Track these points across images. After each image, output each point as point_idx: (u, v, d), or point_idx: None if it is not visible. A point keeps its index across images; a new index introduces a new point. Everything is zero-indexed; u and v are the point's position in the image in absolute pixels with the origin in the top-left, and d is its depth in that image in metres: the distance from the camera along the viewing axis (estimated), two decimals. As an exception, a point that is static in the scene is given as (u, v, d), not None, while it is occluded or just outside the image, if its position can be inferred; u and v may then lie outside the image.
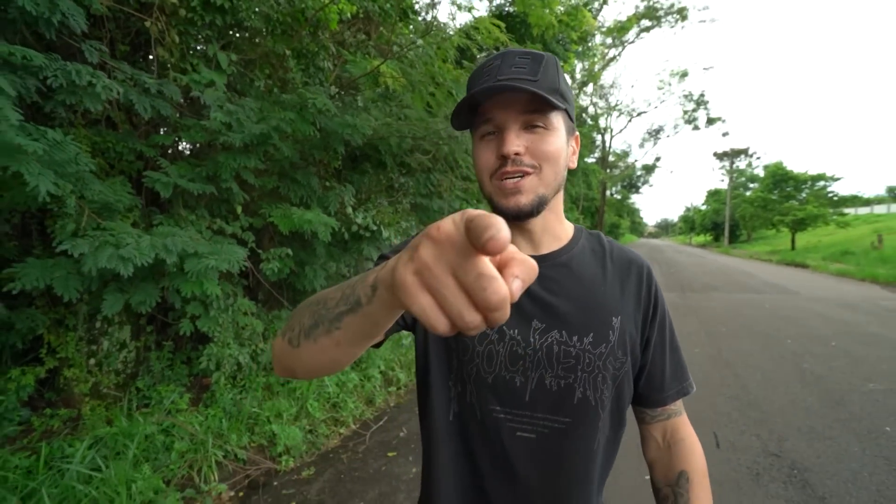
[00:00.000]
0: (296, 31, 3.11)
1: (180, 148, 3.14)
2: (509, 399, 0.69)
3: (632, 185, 45.24)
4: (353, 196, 3.68)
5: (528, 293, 0.69)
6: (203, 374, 3.24)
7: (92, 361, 2.87)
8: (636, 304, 0.74)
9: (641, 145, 44.88)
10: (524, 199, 0.66)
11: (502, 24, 3.70)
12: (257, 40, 3.14)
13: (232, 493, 2.52)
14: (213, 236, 2.86)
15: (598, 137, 28.58)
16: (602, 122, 28.38)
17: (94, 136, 2.52)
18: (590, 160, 28.37)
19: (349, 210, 3.73)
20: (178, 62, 2.77)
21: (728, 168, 38.61)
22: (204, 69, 2.69)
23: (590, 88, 24.23)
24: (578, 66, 17.15)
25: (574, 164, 0.74)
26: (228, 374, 3.26)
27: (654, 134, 33.73)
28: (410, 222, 5.06)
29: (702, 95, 28.80)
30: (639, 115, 30.11)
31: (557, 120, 0.67)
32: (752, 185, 38.41)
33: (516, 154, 0.64)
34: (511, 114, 0.65)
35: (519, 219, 0.68)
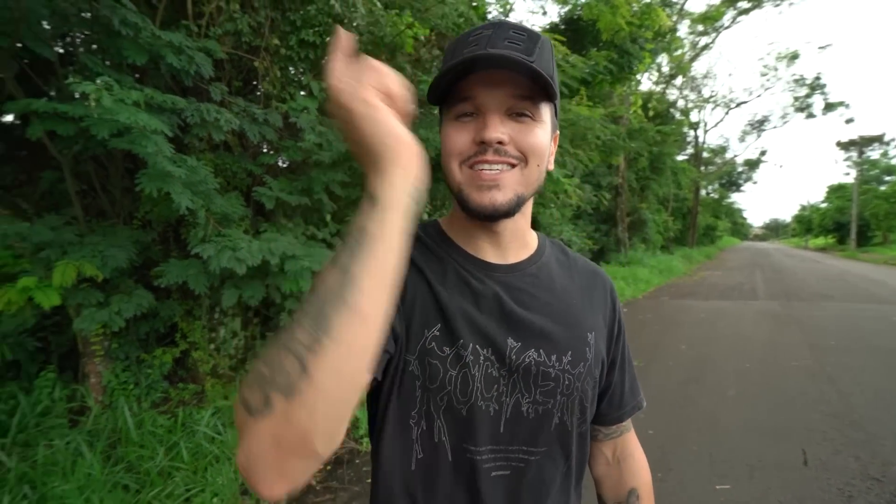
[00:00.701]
0: (376, 57, 3.46)
1: (281, 164, 3.63)
2: (485, 433, 0.58)
3: (731, 183, 41.22)
4: (428, 203, 3.95)
5: (500, 307, 0.59)
6: (298, 362, 3.70)
7: (212, 346, 3.43)
8: (603, 319, 0.68)
9: (742, 139, 40.74)
10: (501, 197, 0.55)
11: (563, 38, 3.76)
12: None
13: (322, 466, 2.88)
14: (306, 241, 3.29)
15: (690, 133, 26.52)
16: (694, 117, 26.29)
17: (216, 160, 3.06)
18: (681, 158, 26.44)
19: (424, 217, 4.02)
20: (280, 93, 3.24)
21: (855, 159, 33.65)
22: (300, 97, 3.12)
23: (679, 81, 22.64)
24: (663, 59, 16.17)
25: (552, 166, 0.64)
26: (319, 363, 3.69)
27: (758, 125, 30.53)
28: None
29: (817, 79, 25.60)
30: (738, 105, 27.49)
31: (546, 112, 0.58)
32: (887, 179, 33.05)
33: (499, 143, 0.54)
34: (498, 95, 0.54)
35: (492, 219, 0.58)
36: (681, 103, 24.68)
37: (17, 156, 3.37)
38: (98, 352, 2.91)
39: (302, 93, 3.36)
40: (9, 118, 3.00)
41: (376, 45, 3.53)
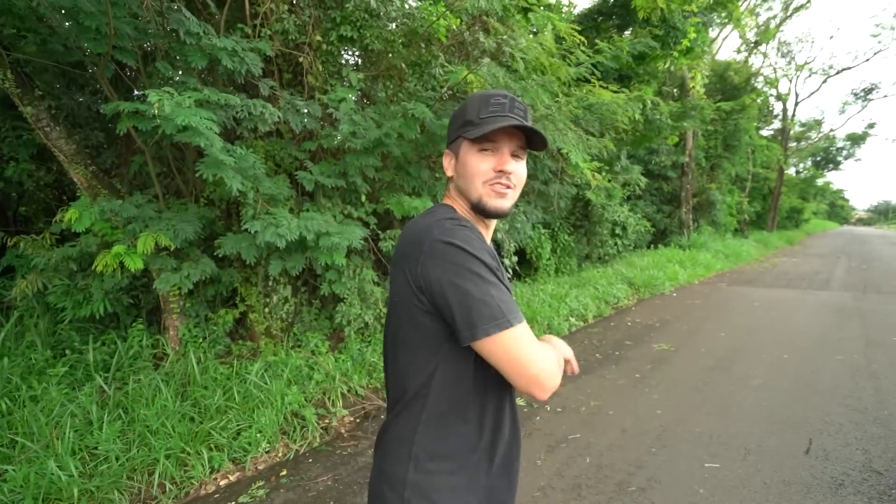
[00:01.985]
0: (411, 47, 3.68)
1: (325, 148, 4.01)
2: None
3: (828, 161, 36.97)
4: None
5: (500, 260, 0.96)
6: (339, 328, 4.14)
7: (266, 310, 3.95)
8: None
9: (842, 110, 35.95)
10: (508, 204, 0.90)
11: (578, 28, 3.73)
12: (380, 59, 3.81)
13: (351, 419, 3.30)
14: (343, 219, 3.66)
15: (777, 106, 23.98)
16: (784, 87, 23.61)
17: (266, 146, 3.48)
18: (766, 133, 24.01)
19: (429, 203, 4.23)
20: (322, 84, 3.57)
21: None
22: (340, 89, 3.43)
23: (766, 47, 20.39)
24: (722, 32, 14.64)
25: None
26: (357, 330, 4.11)
27: (864, 94, 26.84)
28: (517, 207, 5.35)
29: (942, 40, 21.80)
30: (839, 72, 24.29)
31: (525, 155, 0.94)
32: None
33: (510, 172, 0.88)
34: (510, 142, 0.88)
35: (498, 216, 0.91)
36: (768, 72, 22.32)
37: (115, 143, 4.03)
38: (175, 309, 3.50)
39: (345, 83, 3.67)
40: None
41: (412, 35, 3.75)
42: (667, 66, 5.33)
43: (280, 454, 2.82)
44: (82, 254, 3.31)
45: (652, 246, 12.67)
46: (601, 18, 5.28)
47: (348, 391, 3.54)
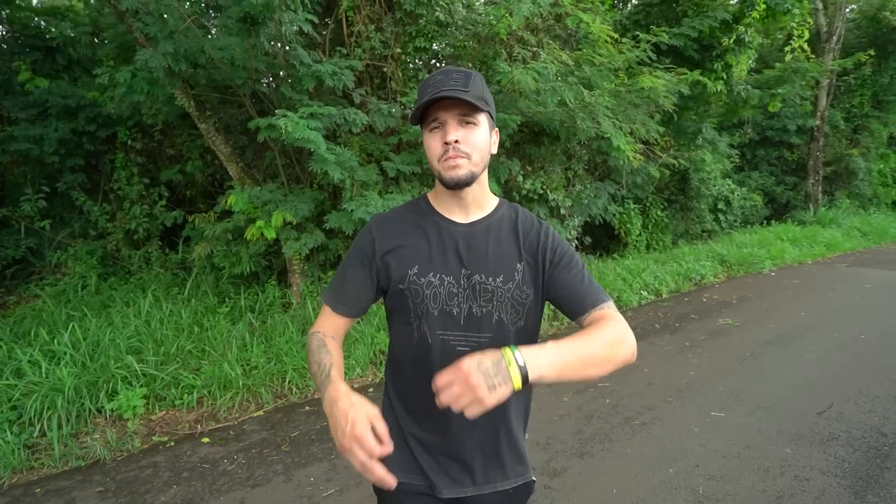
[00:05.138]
0: (475, 49, 4.24)
1: (405, 141, 4.79)
2: (451, 325, 0.94)
3: None
4: (520, 167, 4.66)
5: (457, 249, 0.95)
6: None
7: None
8: (532, 255, 0.98)
9: None
10: (462, 172, 0.89)
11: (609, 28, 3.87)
12: (452, 61, 4.42)
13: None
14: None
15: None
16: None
17: (360, 142, 4.36)
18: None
19: (519, 178, 4.75)
20: (402, 88, 4.32)
21: None
22: (414, 91, 4.14)
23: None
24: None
25: (495, 150, 0.99)
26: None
27: None
28: (584, 185, 5.66)
29: None
30: None
31: (482, 118, 0.92)
32: None
33: (455, 141, 0.88)
34: (451, 113, 0.88)
35: (459, 186, 0.91)
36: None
37: (253, 144, 5.28)
38: (297, 270, 4.63)
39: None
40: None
41: (476, 38, 4.29)
42: (742, 35, 5.01)
43: (369, 378, 3.76)
44: (235, 227, 4.55)
45: (766, 222, 11.58)
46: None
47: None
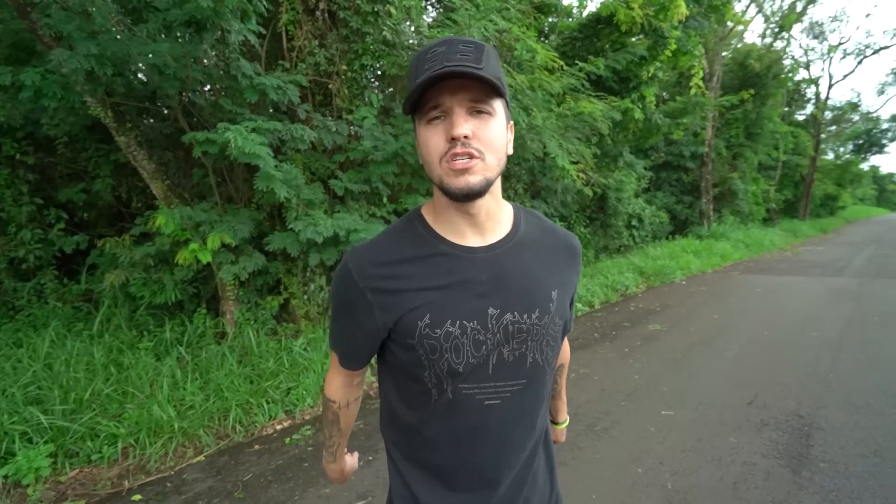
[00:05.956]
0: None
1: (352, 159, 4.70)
2: (477, 377, 0.75)
3: (872, 144, 35.39)
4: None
5: (481, 286, 0.74)
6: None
7: (305, 297, 4.68)
8: (568, 277, 0.84)
9: (881, 91, 34.38)
10: (473, 179, 0.67)
11: (556, 54, 4.28)
12: (396, 80, 4.46)
13: (377, 383, 3.98)
14: (368, 218, 4.33)
15: (808, 91, 23.31)
16: (816, 70, 22.92)
17: (304, 159, 4.18)
18: (800, 117, 23.34)
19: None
20: (348, 105, 4.25)
21: None
22: (363, 109, 4.10)
23: (796, 29, 19.91)
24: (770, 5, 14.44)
25: (511, 151, 0.76)
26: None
27: (904, 75, 25.65)
28: (523, 202, 5.90)
29: None
30: (876, 52, 23.42)
31: (499, 106, 0.70)
32: None
33: (465, 136, 0.66)
34: (459, 98, 0.66)
35: (469, 198, 0.69)
36: (798, 54, 21.71)
37: (177, 159, 4.84)
38: (231, 296, 4.27)
39: (366, 102, 4.34)
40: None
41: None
42: (654, 71, 5.76)
43: (320, 409, 3.53)
44: (158, 251, 4.10)
45: (671, 237, 12.91)
46: (600, 27, 5.78)
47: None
